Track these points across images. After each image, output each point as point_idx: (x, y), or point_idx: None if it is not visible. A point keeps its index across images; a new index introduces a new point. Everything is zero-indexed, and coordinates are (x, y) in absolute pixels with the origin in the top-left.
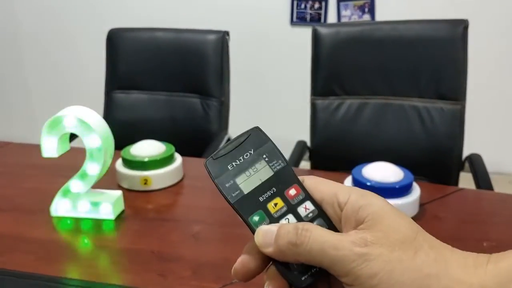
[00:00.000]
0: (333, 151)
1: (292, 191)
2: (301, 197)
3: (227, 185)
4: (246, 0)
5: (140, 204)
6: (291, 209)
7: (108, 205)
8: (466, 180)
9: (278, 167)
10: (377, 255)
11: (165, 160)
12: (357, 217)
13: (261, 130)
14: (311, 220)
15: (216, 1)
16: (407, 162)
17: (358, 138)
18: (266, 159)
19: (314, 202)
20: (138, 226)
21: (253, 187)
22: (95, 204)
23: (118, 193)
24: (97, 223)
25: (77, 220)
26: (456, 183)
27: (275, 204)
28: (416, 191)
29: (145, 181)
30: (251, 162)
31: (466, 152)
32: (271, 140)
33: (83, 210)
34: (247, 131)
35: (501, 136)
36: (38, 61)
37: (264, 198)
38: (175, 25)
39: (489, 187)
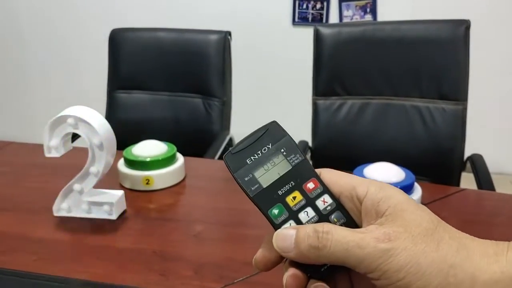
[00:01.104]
0: (335, 151)
1: (310, 185)
2: (319, 191)
3: (246, 179)
4: (248, 0)
5: (142, 204)
6: (310, 202)
7: (110, 205)
8: (467, 181)
9: (296, 161)
10: (402, 249)
11: (167, 160)
12: (378, 210)
13: (278, 125)
14: (330, 213)
15: (218, 1)
16: (408, 162)
17: (359, 138)
18: (284, 153)
19: (332, 195)
20: (140, 226)
21: (272, 181)
22: (97, 204)
23: (120, 192)
24: (99, 223)
25: (79, 220)
26: (457, 183)
27: (294, 198)
28: (418, 191)
29: (147, 181)
30: (269, 156)
31: (467, 153)
32: (288, 135)
33: (85, 209)
34: (265, 126)
35: (502, 136)
36: (41, 61)
37: (283, 191)
38: (177, 25)
39: (491, 187)
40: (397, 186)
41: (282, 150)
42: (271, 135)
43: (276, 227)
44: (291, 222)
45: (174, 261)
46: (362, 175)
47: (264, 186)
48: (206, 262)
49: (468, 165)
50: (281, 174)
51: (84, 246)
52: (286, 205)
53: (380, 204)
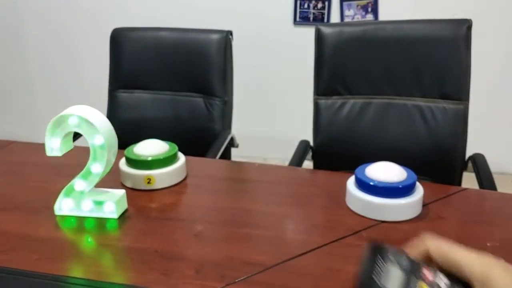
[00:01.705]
0: (336, 151)
1: (426, 272)
2: (434, 274)
3: None
4: (250, 0)
5: (143, 203)
6: (435, 285)
7: (112, 204)
8: (469, 180)
9: (404, 261)
10: None
11: (169, 159)
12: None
13: (373, 243)
14: None
15: (219, 1)
16: (410, 161)
17: (361, 138)
18: (393, 259)
19: (444, 272)
20: (141, 225)
21: (401, 284)
22: (99, 203)
23: (122, 192)
24: (101, 222)
25: (80, 219)
26: (459, 183)
27: None
28: (419, 191)
29: (149, 180)
30: (385, 267)
31: (469, 152)
32: (386, 244)
33: (86, 208)
34: (368, 250)
35: (504, 135)
36: (42, 60)
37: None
38: (179, 24)
39: (493, 187)
40: (398, 186)
41: (390, 257)
42: (375, 252)
43: None
44: None
45: (175, 261)
46: (363, 175)
47: None
48: (207, 261)
49: (470, 164)
50: (402, 276)
51: (86, 245)
52: None
53: (484, 285)
